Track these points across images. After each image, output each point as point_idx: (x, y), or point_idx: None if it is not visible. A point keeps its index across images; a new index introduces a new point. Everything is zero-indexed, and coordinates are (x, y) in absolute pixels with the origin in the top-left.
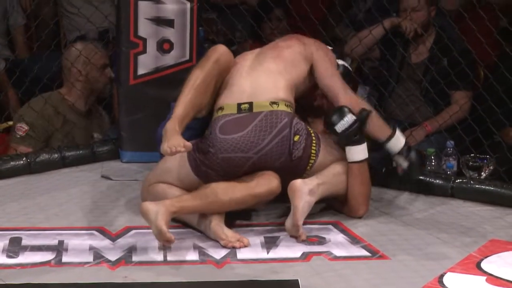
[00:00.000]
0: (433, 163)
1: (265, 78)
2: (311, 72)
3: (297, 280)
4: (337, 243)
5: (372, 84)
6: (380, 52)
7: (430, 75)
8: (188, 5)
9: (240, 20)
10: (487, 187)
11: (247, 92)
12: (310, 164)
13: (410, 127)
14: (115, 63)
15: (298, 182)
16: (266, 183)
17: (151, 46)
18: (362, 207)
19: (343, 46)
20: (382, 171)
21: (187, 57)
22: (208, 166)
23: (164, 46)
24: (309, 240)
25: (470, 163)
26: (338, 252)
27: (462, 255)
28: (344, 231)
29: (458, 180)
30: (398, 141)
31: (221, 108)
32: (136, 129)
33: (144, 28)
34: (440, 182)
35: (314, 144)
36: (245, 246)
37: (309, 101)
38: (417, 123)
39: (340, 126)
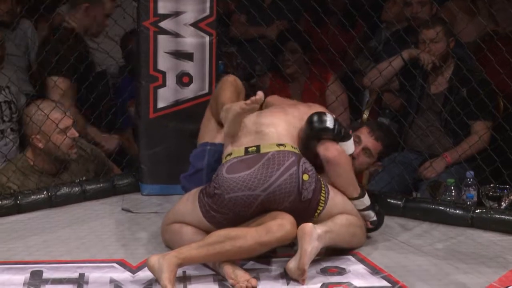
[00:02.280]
0: (453, 193)
1: (273, 124)
2: None
3: None
4: (357, 273)
5: (392, 115)
6: (399, 83)
7: (450, 106)
8: (207, 38)
9: (260, 53)
10: (507, 217)
11: (254, 137)
12: (318, 211)
13: (430, 158)
14: (135, 97)
15: (309, 226)
16: (277, 229)
17: (171, 79)
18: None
19: (362, 78)
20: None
21: (207, 90)
22: (216, 210)
23: (183, 79)
24: (328, 271)
25: (490, 193)
26: (358, 282)
27: (482, 285)
28: (363, 261)
29: (478, 210)
30: (362, 203)
31: (229, 154)
32: (156, 162)
33: (164, 62)
34: (460, 212)
35: (323, 191)
36: (253, 287)
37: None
38: (437, 154)
39: (329, 123)
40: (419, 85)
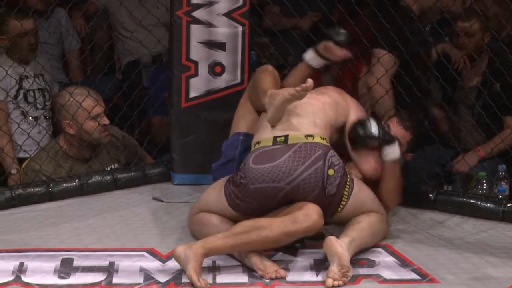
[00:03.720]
0: (484, 187)
1: (302, 113)
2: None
3: None
4: (386, 266)
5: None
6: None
7: (483, 100)
8: (240, 28)
9: (293, 44)
10: None
11: (284, 126)
12: (342, 206)
13: (462, 152)
14: (168, 86)
15: (333, 238)
16: (303, 219)
17: (203, 69)
18: (394, 202)
19: None
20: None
21: (239, 80)
22: (241, 199)
23: (215, 69)
24: (358, 263)
25: None
26: (388, 275)
27: None
28: (394, 254)
29: (510, 204)
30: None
31: (258, 142)
32: (188, 151)
33: (196, 52)
34: (491, 205)
35: (347, 186)
36: (282, 278)
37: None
38: (470, 148)
39: (374, 130)
40: (452, 79)
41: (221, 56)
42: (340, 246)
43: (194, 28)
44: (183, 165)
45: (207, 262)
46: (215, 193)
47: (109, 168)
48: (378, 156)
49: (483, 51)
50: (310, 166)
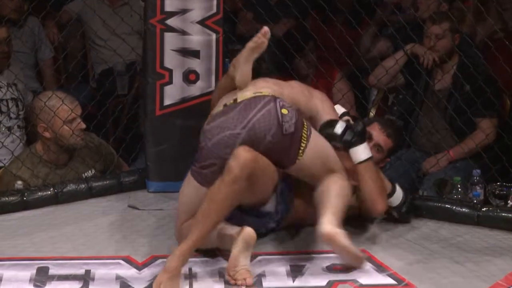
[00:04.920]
0: (459, 192)
1: (263, 88)
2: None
3: None
4: (363, 271)
5: (398, 114)
6: (405, 80)
7: (455, 103)
8: (214, 36)
9: (266, 51)
10: None
11: (235, 95)
12: (302, 148)
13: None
14: (142, 95)
15: (327, 227)
16: (234, 162)
17: (177, 77)
18: (378, 203)
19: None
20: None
21: (213, 88)
22: (206, 167)
23: (190, 76)
24: (334, 269)
25: (497, 191)
26: (364, 280)
27: (488, 283)
28: (370, 259)
29: (485, 209)
30: (397, 198)
31: (210, 115)
32: (163, 159)
33: (170, 60)
34: (466, 210)
35: (305, 127)
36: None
37: None
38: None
39: (337, 130)
40: (423, 82)
41: (195, 64)
42: (340, 239)
43: (168, 36)
44: (158, 173)
45: (183, 269)
46: (186, 188)
47: (85, 175)
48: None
49: (453, 54)
50: (262, 108)
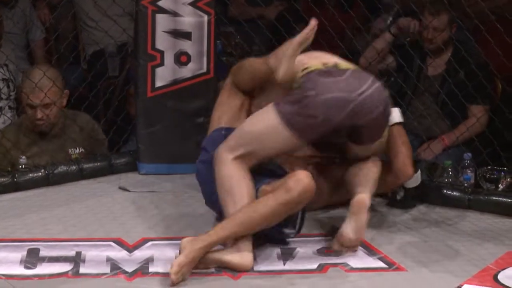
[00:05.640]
0: (450, 175)
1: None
2: None
3: None
4: (353, 254)
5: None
6: (397, 64)
7: (447, 88)
8: (206, 18)
9: (258, 33)
10: (504, 199)
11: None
12: (385, 131)
13: (427, 140)
14: (134, 76)
15: (366, 198)
16: (295, 184)
17: (169, 58)
18: (409, 167)
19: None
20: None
21: (204, 70)
22: (303, 114)
23: (181, 58)
24: (325, 252)
25: (487, 175)
26: (354, 263)
27: (479, 267)
28: (360, 242)
29: (475, 192)
30: (415, 180)
31: (306, 68)
32: (154, 141)
33: (162, 41)
34: (457, 194)
35: None
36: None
37: None
38: (435, 136)
39: None
40: (416, 67)
41: (186, 46)
42: (366, 212)
43: (160, 17)
44: (150, 155)
45: (174, 252)
46: (261, 120)
47: (71, 151)
48: None
49: (450, 43)
50: (372, 84)
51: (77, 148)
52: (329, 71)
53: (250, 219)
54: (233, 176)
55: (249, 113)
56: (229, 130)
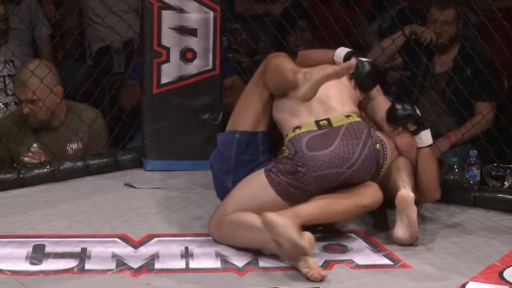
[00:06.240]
0: (456, 173)
1: (328, 94)
2: None
3: None
4: (359, 251)
5: (395, 94)
6: (403, 62)
7: (454, 85)
8: (212, 14)
9: (264, 30)
10: (509, 197)
11: (317, 108)
12: (383, 170)
13: (433, 137)
14: (140, 72)
15: (409, 195)
16: (372, 194)
17: (174, 55)
18: (438, 191)
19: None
20: None
21: (210, 66)
22: (298, 188)
23: (187, 55)
24: (331, 248)
25: (493, 172)
26: (360, 260)
27: (485, 264)
28: (366, 239)
29: (481, 190)
30: None
31: (298, 127)
32: (160, 137)
33: (168, 37)
34: (463, 191)
35: (385, 149)
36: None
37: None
38: (441, 133)
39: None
40: (423, 64)
41: (192, 42)
42: (412, 208)
43: (166, 14)
44: (155, 151)
45: (179, 248)
46: (253, 188)
47: (69, 146)
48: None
49: (456, 39)
50: (364, 146)
51: (75, 143)
52: (320, 135)
53: (335, 210)
54: (235, 222)
55: (270, 115)
56: (243, 134)
